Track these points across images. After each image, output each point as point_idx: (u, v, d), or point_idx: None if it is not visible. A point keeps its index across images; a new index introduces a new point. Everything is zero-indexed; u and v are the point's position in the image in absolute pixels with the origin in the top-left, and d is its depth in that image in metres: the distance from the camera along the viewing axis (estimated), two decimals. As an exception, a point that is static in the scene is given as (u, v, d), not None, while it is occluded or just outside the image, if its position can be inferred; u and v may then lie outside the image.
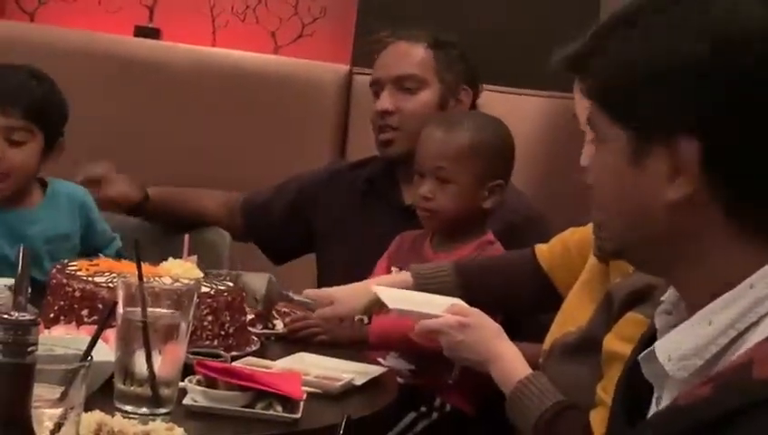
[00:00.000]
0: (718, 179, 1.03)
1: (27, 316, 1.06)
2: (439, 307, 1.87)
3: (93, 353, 1.58)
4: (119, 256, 2.32)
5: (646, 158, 1.05)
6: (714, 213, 1.04)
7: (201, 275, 1.97)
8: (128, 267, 1.90)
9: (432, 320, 1.84)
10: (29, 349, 1.03)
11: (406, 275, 2.13)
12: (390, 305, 1.91)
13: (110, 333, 1.65)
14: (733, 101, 1.02)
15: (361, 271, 2.29)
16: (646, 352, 1.09)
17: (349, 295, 2.08)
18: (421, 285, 2.09)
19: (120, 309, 1.61)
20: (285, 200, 2.63)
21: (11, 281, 1.97)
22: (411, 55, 2.50)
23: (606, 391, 1.54)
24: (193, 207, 2.70)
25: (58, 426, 1.30)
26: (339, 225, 2.55)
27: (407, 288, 2.08)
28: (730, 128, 1.02)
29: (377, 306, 2.05)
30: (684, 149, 1.03)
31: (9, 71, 2.39)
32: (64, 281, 1.91)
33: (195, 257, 2.07)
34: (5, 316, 1.05)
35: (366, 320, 2.16)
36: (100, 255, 2.21)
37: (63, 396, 1.37)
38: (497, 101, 2.61)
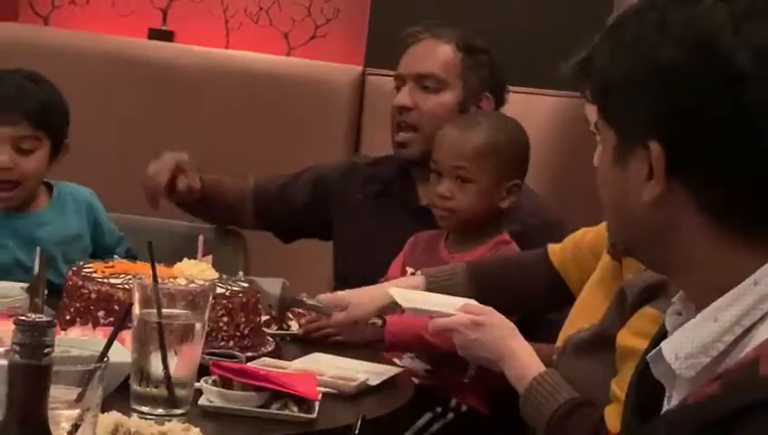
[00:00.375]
0: (685, 182, 1.06)
1: (44, 318, 1.07)
2: (453, 307, 1.87)
3: (110, 355, 1.59)
4: (129, 255, 2.33)
5: (629, 159, 1.09)
6: (688, 213, 1.07)
7: (216, 275, 1.98)
8: (143, 268, 1.91)
9: (445, 318, 1.84)
10: (46, 350, 1.04)
11: (418, 280, 2.13)
12: (404, 305, 1.91)
13: (126, 335, 1.66)
14: (689, 108, 1.05)
15: (376, 271, 2.29)
16: (653, 351, 1.10)
17: (362, 298, 2.08)
18: (433, 287, 2.09)
19: (135, 310, 1.61)
20: (304, 190, 2.62)
21: (26, 284, 1.98)
22: (437, 55, 2.49)
23: (620, 386, 1.54)
24: (230, 198, 2.68)
25: (75, 427, 1.31)
26: (354, 224, 2.55)
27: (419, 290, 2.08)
28: (688, 133, 1.06)
29: (391, 309, 2.06)
30: (653, 152, 1.06)
31: (8, 77, 2.38)
32: (80, 283, 1.92)
33: (210, 258, 2.07)
34: (22, 318, 1.06)
35: (380, 323, 2.16)
36: (115, 256, 2.22)
37: (80, 397, 1.37)
38: (511, 101, 2.61)
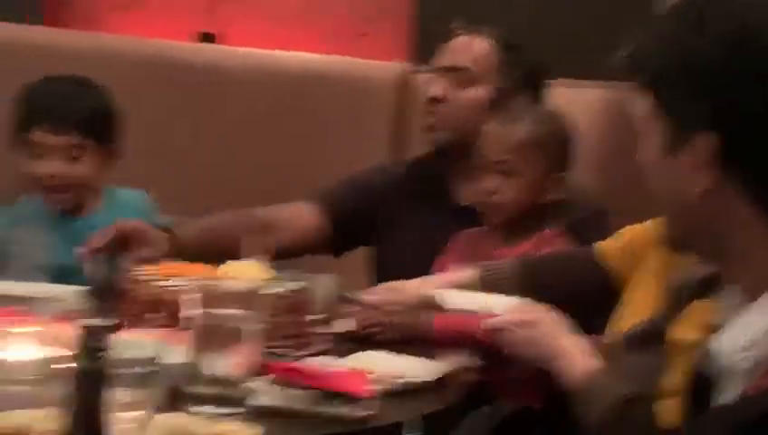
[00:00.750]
0: (736, 172, 1.06)
1: (105, 321, 1.08)
2: (500, 306, 1.87)
3: (164, 356, 1.61)
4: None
5: (679, 150, 1.10)
6: (740, 204, 1.07)
7: (268, 275, 1.99)
8: (194, 270, 1.93)
9: (496, 318, 1.84)
10: (103, 353, 1.06)
11: (471, 272, 2.13)
12: (448, 307, 1.92)
13: (180, 336, 1.67)
14: (745, 100, 1.05)
15: (418, 274, 2.28)
16: (708, 345, 1.10)
17: (411, 284, 2.09)
18: (486, 280, 2.09)
19: (189, 311, 1.63)
20: (349, 197, 2.63)
21: (82, 287, 2.01)
22: (471, 50, 2.51)
23: (674, 380, 1.53)
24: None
25: (132, 428, 1.33)
26: (394, 227, 2.55)
27: (470, 284, 2.08)
28: (743, 124, 1.06)
29: (430, 305, 2.06)
30: (705, 143, 1.06)
31: (56, 85, 2.40)
32: (132, 286, 1.94)
33: (261, 257, 2.08)
34: (84, 321, 1.08)
35: (432, 315, 2.16)
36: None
37: (136, 399, 1.39)
38: (556, 93, 2.60)
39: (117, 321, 1.32)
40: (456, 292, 2.01)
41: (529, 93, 2.50)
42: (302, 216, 2.59)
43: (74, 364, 1.07)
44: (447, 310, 1.93)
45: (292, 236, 2.56)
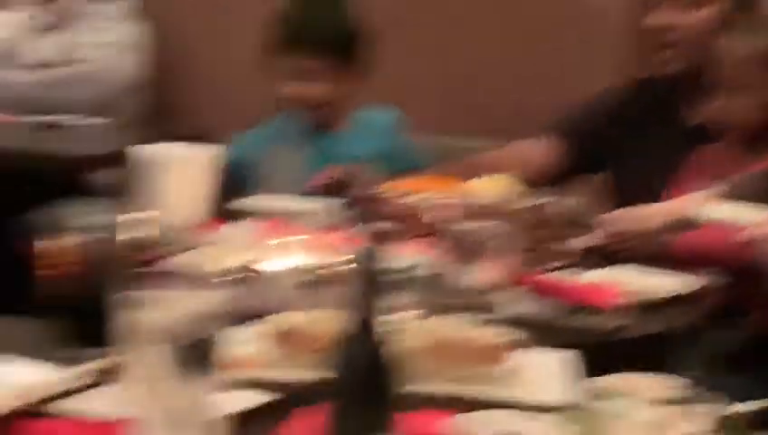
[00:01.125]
0: None
1: (377, 227, 1.15)
2: (755, 217, 1.83)
3: (422, 266, 1.68)
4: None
5: None
6: None
7: (519, 189, 2.02)
8: (442, 184, 1.98)
9: (753, 229, 1.80)
10: (378, 258, 1.12)
11: (714, 190, 2.09)
12: (700, 219, 1.89)
13: (433, 248, 1.74)
14: None
15: (653, 196, 2.26)
16: None
17: (653, 209, 2.08)
18: (730, 195, 2.05)
19: (446, 225, 1.69)
20: (584, 123, 2.61)
21: (336, 201, 2.09)
22: None
23: None
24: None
25: (397, 331, 1.40)
26: (626, 152, 2.52)
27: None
28: None
29: (680, 225, 2.04)
30: None
31: (309, 7, 2.46)
32: (382, 201, 2.01)
33: (511, 173, 2.11)
34: (352, 229, 1.14)
35: (675, 236, 2.14)
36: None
37: (400, 304, 1.46)
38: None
39: (386, 230, 1.39)
40: (711, 206, 1.98)
41: (753, 7, 2.40)
42: (534, 151, 2.58)
43: (346, 269, 1.14)
44: (703, 225, 1.91)
45: (525, 174, 2.55)
